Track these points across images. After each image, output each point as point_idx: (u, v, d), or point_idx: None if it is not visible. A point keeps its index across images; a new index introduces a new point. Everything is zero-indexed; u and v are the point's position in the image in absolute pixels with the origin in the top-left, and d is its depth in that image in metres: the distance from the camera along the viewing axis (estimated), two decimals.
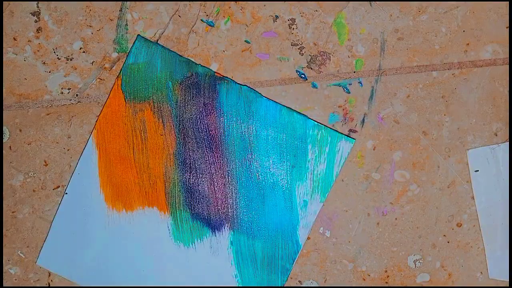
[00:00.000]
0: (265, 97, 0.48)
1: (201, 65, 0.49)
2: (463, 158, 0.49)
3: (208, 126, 0.48)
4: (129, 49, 0.49)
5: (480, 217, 0.49)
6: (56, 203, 0.49)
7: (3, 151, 0.49)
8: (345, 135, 0.49)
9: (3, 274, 0.50)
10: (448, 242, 0.49)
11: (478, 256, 0.49)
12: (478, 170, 0.49)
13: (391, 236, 0.49)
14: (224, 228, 0.48)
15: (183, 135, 0.48)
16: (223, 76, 0.49)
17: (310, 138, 0.48)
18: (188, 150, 0.48)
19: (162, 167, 0.48)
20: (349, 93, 0.49)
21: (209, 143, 0.48)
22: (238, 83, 0.48)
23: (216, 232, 0.48)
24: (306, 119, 0.48)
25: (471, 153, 0.49)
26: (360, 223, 0.49)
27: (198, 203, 0.48)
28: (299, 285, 0.50)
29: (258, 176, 0.48)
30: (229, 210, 0.48)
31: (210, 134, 0.48)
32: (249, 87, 0.49)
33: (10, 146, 0.50)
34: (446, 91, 0.49)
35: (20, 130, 0.50)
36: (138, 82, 0.48)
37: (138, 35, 0.49)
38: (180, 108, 0.48)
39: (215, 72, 0.49)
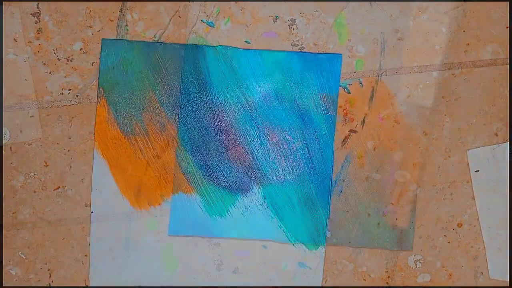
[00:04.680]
0: (241, 48, 0.48)
1: (172, 43, 0.48)
2: (464, 158, 0.49)
3: (201, 99, 0.48)
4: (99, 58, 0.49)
5: (480, 217, 0.49)
6: (57, 204, 0.49)
7: (4, 152, 0.49)
8: (329, 53, 0.48)
9: (4, 275, 0.50)
10: (449, 242, 0.49)
11: (478, 256, 0.49)
12: (478, 170, 0.49)
13: (391, 237, 0.49)
14: (252, 186, 0.48)
15: (182, 116, 0.48)
16: (196, 44, 0.48)
17: (298, 67, 0.48)
18: (189, 128, 0.48)
19: (172, 152, 0.49)
20: (350, 93, 0.49)
21: (207, 115, 0.48)
22: (212, 45, 0.48)
23: (246, 192, 0.48)
24: (287, 53, 0.48)
25: (471, 153, 0.49)
26: (361, 223, 0.49)
27: (218, 174, 0.48)
28: None
29: (264, 124, 0.48)
30: (249, 167, 0.48)
31: (205, 106, 0.48)
32: (222, 45, 0.48)
33: (10, 147, 0.50)
34: (446, 91, 0.49)
35: (21, 131, 0.50)
36: (120, 85, 0.48)
37: (102, 38, 0.49)
38: (168, 92, 0.48)
39: (190, 43, 0.48)
